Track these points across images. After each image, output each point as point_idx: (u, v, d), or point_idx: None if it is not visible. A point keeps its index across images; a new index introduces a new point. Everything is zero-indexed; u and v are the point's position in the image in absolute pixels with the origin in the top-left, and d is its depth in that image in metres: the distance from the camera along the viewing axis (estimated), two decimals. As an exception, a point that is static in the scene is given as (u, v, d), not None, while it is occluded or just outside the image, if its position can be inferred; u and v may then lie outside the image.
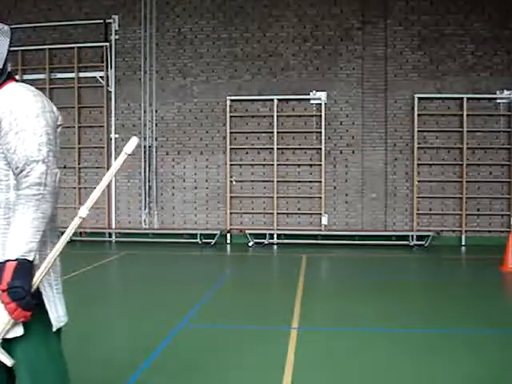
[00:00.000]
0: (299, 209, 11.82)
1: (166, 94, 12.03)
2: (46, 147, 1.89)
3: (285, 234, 11.73)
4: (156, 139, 12.09)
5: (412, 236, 11.28)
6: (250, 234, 11.52)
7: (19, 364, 1.94)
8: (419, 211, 11.49)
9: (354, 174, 11.66)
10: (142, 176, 12.05)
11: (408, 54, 11.46)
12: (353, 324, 5.39)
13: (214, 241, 11.50)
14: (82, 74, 12.17)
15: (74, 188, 12.24)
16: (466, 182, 11.30)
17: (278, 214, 11.77)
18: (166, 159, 12.12)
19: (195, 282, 7.72)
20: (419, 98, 11.29)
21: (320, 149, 11.58)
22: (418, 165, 11.42)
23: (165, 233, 11.97)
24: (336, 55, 11.62)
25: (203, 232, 11.71)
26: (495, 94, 11.24)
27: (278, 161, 11.69)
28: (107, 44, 11.95)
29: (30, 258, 1.83)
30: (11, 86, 2.00)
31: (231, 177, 11.89)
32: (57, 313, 2.00)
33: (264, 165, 11.84)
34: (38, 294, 1.90)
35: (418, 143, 11.37)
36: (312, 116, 11.68)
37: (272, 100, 11.64)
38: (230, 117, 11.74)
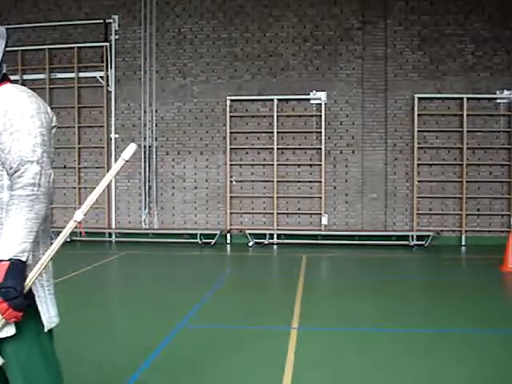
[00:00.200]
0: (299, 209, 11.82)
1: (165, 94, 12.03)
2: (41, 148, 1.89)
3: (285, 234, 11.73)
4: (156, 139, 12.09)
5: (412, 236, 11.28)
6: (250, 233, 11.52)
7: (11, 364, 1.94)
8: (419, 211, 11.49)
9: (353, 174, 11.67)
10: (142, 176, 12.05)
11: (408, 54, 11.47)
12: (353, 324, 5.39)
13: (213, 241, 11.50)
14: (81, 74, 12.17)
15: (74, 188, 12.24)
16: (466, 182, 11.31)
17: (277, 213, 11.77)
18: (166, 159, 12.12)
19: (195, 282, 7.72)
20: (419, 98, 11.29)
21: (320, 149, 11.59)
22: (418, 165, 11.43)
23: (165, 233, 11.97)
24: (336, 55, 11.62)
25: (203, 232, 11.71)
26: (495, 94, 11.25)
27: (277, 161, 11.69)
28: (107, 44, 11.95)
29: (23, 259, 1.83)
30: (6, 88, 2.01)
31: (231, 177, 11.89)
32: (48, 313, 2.00)
33: (264, 165, 11.84)
34: (30, 294, 1.90)
35: (418, 143, 11.37)
36: (312, 116, 11.68)
37: (272, 100, 11.64)
38: (230, 117, 11.74)
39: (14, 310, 1.81)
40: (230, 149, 11.81)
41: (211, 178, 12.03)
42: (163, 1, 11.96)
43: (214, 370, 4.03)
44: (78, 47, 12.08)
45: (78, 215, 1.91)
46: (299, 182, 11.78)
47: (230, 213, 11.90)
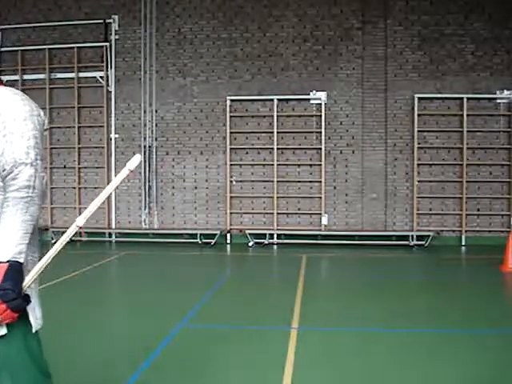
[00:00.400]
0: (299, 209, 11.82)
1: (165, 93, 12.03)
2: (34, 151, 1.90)
3: (285, 234, 11.73)
4: (156, 139, 12.09)
5: (412, 236, 11.28)
6: (250, 233, 11.52)
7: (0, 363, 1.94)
8: (419, 211, 11.49)
9: (353, 174, 11.67)
10: (142, 176, 12.05)
11: (408, 54, 11.47)
12: (353, 324, 5.39)
13: (213, 241, 11.50)
14: (81, 74, 12.17)
15: (74, 188, 12.25)
16: (466, 182, 11.31)
17: (278, 213, 11.77)
18: (166, 159, 12.13)
19: (195, 282, 7.72)
20: (419, 98, 11.29)
21: (320, 149, 11.59)
22: (418, 165, 11.43)
23: (165, 233, 11.97)
24: (336, 55, 11.62)
25: (203, 232, 11.71)
26: (495, 94, 11.25)
27: (277, 161, 11.69)
28: (107, 44, 11.95)
29: (21, 260, 1.85)
30: None
31: (231, 177, 11.89)
32: (36, 315, 2.03)
33: (264, 165, 11.84)
34: (27, 296, 1.91)
35: (418, 143, 11.37)
36: (312, 116, 11.68)
37: (272, 100, 11.64)
38: (230, 117, 11.74)
39: (12, 312, 1.82)
40: (230, 149, 11.81)
41: (211, 178, 12.03)
42: (163, 1, 11.96)
43: (214, 370, 4.03)
44: (78, 47, 12.08)
45: (80, 220, 1.93)
46: (299, 182, 11.78)
47: (230, 213, 11.90)
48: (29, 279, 1.89)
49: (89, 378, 3.87)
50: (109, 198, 12.11)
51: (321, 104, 11.54)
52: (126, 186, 12.18)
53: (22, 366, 1.97)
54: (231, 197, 11.88)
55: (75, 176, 12.24)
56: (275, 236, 11.65)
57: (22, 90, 10.48)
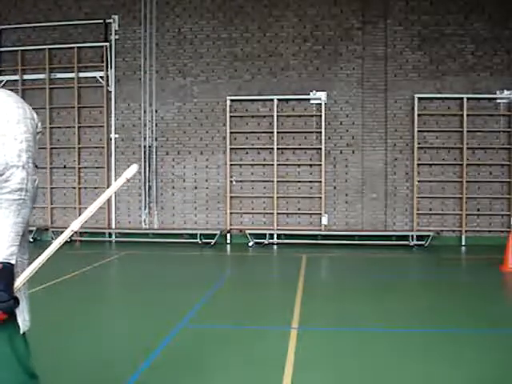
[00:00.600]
0: (299, 209, 11.82)
1: (166, 94, 12.03)
2: (26, 154, 1.91)
3: (285, 234, 11.73)
4: (156, 139, 12.09)
5: (412, 236, 11.28)
6: (250, 233, 11.52)
7: None
8: (419, 211, 11.49)
9: (353, 174, 11.67)
10: (142, 176, 12.05)
11: (408, 54, 11.47)
12: (353, 324, 5.39)
13: (213, 241, 11.50)
14: (81, 74, 12.17)
15: (74, 188, 12.25)
16: (466, 182, 11.31)
17: (277, 213, 11.77)
18: (166, 159, 12.13)
19: (195, 281, 7.72)
20: (419, 98, 11.30)
21: (320, 149, 11.59)
22: (418, 165, 11.43)
23: (165, 233, 11.98)
24: (336, 55, 11.62)
25: (203, 232, 11.71)
26: (495, 94, 11.25)
27: (277, 161, 11.69)
28: (107, 44, 11.96)
29: (13, 262, 1.86)
30: None
31: (231, 177, 11.89)
32: (24, 317, 2.03)
33: (264, 165, 11.84)
34: (17, 298, 1.92)
35: (418, 143, 11.37)
36: (312, 116, 11.68)
37: (272, 100, 11.64)
38: (230, 117, 11.74)
39: (3, 313, 1.84)
40: (230, 149, 11.81)
41: (211, 178, 12.03)
42: (163, 1, 11.96)
43: (214, 370, 4.03)
44: (78, 47, 12.08)
45: (76, 225, 1.96)
46: (299, 182, 11.78)
47: (230, 213, 11.90)
48: (20, 281, 1.90)
49: (89, 377, 3.87)
50: (109, 197, 12.09)
51: (321, 104, 11.54)
52: (126, 186, 12.17)
53: (7, 368, 1.97)
54: (231, 197, 11.88)
55: (75, 176, 12.24)
56: (275, 236, 11.65)
57: (22, 90, 10.51)
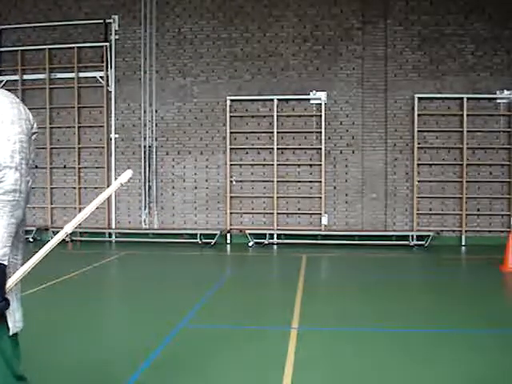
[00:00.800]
0: (299, 209, 11.82)
1: (165, 93, 12.03)
2: (19, 155, 1.90)
3: (285, 234, 11.73)
4: (156, 139, 12.09)
5: (412, 236, 11.28)
6: (250, 233, 11.52)
7: None
8: (419, 211, 11.49)
9: (353, 174, 11.67)
10: (142, 176, 12.05)
11: (408, 54, 11.47)
12: (353, 324, 5.39)
13: (213, 241, 11.50)
14: (81, 74, 12.17)
15: (74, 188, 12.25)
16: (466, 181, 11.31)
17: (278, 213, 11.77)
18: (166, 159, 12.13)
19: (195, 281, 7.72)
20: (419, 98, 11.30)
21: (320, 149, 11.59)
22: (418, 165, 11.43)
23: (165, 233, 11.97)
24: (336, 55, 11.62)
25: (203, 232, 11.71)
26: (495, 94, 11.25)
27: (277, 161, 11.69)
28: (107, 44, 11.95)
29: (5, 263, 1.86)
30: None
31: (231, 177, 11.89)
32: (14, 318, 2.02)
33: (264, 165, 11.84)
34: (6, 299, 1.92)
35: (418, 143, 11.37)
36: (312, 116, 11.68)
37: (272, 100, 11.64)
38: (230, 117, 11.74)
39: None
40: (230, 149, 11.81)
41: (211, 178, 12.03)
42: (163, 1, 11.96)
43: (213, 370, 4.03)
44: (78, 47, 12.08)
45: (69, 227, 1.97)
46: (299, 182, 11.78)
47: (230, 213, 11.90)
48: (12, 281, 1.89)
49: (89, 377, 3.87)
50: (109, 197, 12.11)
51: (321, 104, 11.54)
52: (126, 186, 12.17)
53: None
54: (231, 197, 11.88)
55: (75, 176, 12.24)
56: (275, 236, 11.65)
57: (22, 90, 10.52)
